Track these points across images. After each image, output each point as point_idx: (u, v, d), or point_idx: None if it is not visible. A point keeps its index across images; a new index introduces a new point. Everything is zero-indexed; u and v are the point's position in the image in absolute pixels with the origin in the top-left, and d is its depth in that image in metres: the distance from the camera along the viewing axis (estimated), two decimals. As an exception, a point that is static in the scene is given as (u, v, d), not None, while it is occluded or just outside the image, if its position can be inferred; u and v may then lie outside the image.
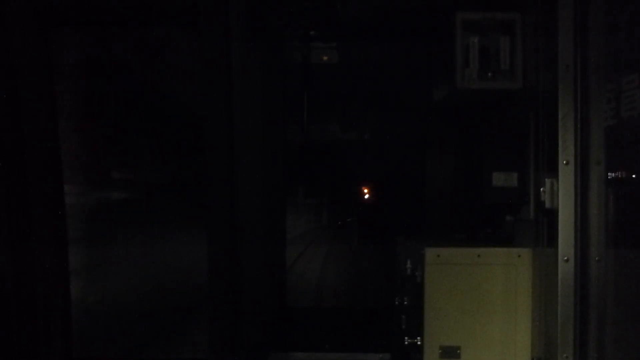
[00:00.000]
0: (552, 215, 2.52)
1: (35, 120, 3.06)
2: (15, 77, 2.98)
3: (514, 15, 2.82)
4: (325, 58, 4.67)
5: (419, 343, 2.83)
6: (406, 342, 2.98)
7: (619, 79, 2.35)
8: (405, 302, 3.17)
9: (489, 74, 2.80)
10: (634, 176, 2.36)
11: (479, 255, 2.80)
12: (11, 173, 2.99)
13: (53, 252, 3.16)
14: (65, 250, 3.27)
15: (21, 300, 3.04)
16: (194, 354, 3.48)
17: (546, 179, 2.51)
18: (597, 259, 2.43)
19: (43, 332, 3.12)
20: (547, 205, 2.51)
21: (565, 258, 2.44)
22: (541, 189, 2.54)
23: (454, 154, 3.72)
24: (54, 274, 3.16)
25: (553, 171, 2.49)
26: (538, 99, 2.65)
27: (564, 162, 2.45)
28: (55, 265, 3.17)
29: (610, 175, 2.42)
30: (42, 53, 3.09)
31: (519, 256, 2.78)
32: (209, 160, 3.07)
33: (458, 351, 2.78)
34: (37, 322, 3.10)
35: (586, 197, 2.45)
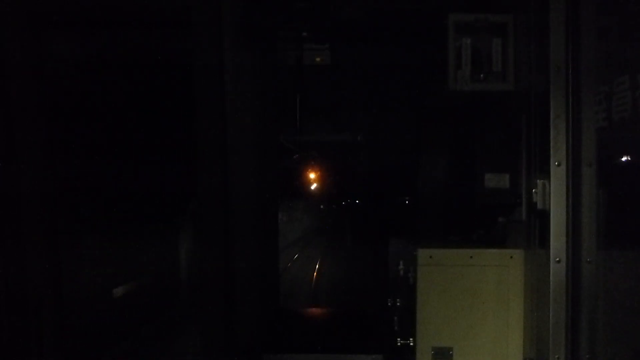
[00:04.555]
0: (543, 216, 2.52)
1: (27, 119, 3.05)
2: (7, 77, 2.97)
3: (506, 17, 2.82)
4: (318, 59, 4.67)
5: (411, 344, 2.83)
6: (399, 343, 2.98)
7: (610, 81, 2.37)
8: (398, 303, 3.17)
9: (481, 76, 2.81)
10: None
11: (471, 257, 2.80)
12: (2, 172, 2.98)
13: (44, 251, 3.15)
14: (57, 249, 3.26)
15: (11, 299, 3.03)
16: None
17: (538, 180, 2.52)
18: (588, 260, 2.44)
19: (34, 332, 3.11)
20: (539, 206, 2.52)
21: (557, 259, 2.45)
22: (533, 191, 2.55)
23: (447, 156, 3.72)
24: (46, 273, 3.15)
25: (545, 172, 2.50)
26: (530, 100, 2.66)
27: (556, 163, 2.46)
28: (47, 264, 3.16)
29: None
30: (35, 54, 3.08)
31: (511, 257, 2.78)
32: (202, 161, 3.07)
33: (450, 352, 2.79)
34: (28, 321, 3.08)
35: (578, 199, 2.46)
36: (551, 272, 2.46)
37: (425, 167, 3.94)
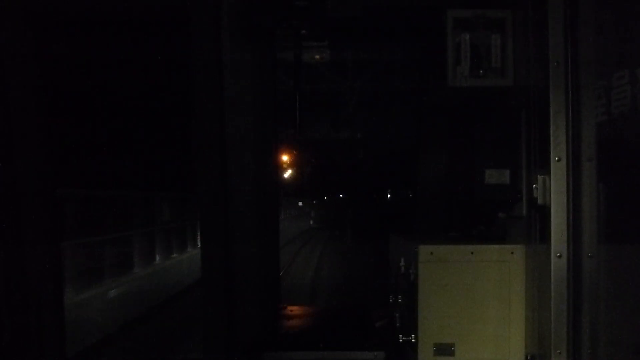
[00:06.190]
0: (544, 211, 2.52)
1: (25, 118, 3.04)
2: (4, 77, 2.97)
3: (505, 12, 2.82)
4: (317, 57, 4.67)
5: (413, 341, 2.84)
6: (400, 340, 2.98)
7: (609, 75, 2.37)
8: (400, 300, 3.18)
9: (480, 72, 2.81)
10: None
11: (472, 253, 2.81)
12: (2, 172, 2.98)
13: (45, 250, 3.15)
14: (57, 248, 3.26)
15: (12, 299, 3.03)
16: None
17: (538, 176, 2.52)
18: (589, 255, 2.44)
19: (35, 332, 3.11)
20: (540, 202, 2.52)
21: (558, 254, 2.45)
22: (533, 186, 2.55)
23: (446, 152, 3.73)
24: (46, 273, 3.15)
25: (545, 168, 2.50)
26: (529, 96, 2.65)
27: (556, 158, 2.46)
28: (47, 263, 3.16)
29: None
30: (33, 53, 3.07)
31: (512, 253, 2.78)
32: (201, 160, 3.07)
33: (452, 348, 2.79)
34: (29, 321, 3.09)
35: (578, 194, 2.46)
36: (552, 268, 2.46)
37: (425, 163, 3.95)
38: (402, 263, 3.04)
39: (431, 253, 2.80)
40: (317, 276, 15.23)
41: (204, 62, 3.01)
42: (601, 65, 2.45)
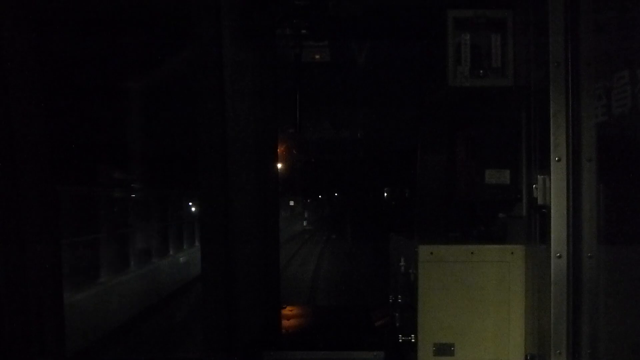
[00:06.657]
0: (544, 212, 2.53)
1: (25, 118, 3.05)
2: (5, 76, 2.97)
3: (505, 12, 2.82)
4: (317, 57, 4.67)
5: (413, 340, 2.84)
6: (400, 340, 2.98)
7: (609, 75, 2.36)
8: (400, 300, 3.18)
9: (481, 72, 2.81)
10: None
11: (472, 253, 2.81)
12: (2, 171, 2.98)
13: (45, 250, 3.15)
14: (58, 248, 3.26)
15: (13, 300, 3.03)
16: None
17: (538, 176, 2.52)
18: (589, 255, 2.44)
19: (36, 332, 3.11)
20: (540, 202, 2.52)
21: (558, 254, 2.45)
22: (533, 186, 2.55)
23: (446, 152, 3.72)
24: (46, 273, 3.15)
25: (545, 168, 2.50)
26: (529, 96, 2.66)
27: (556, 158, 2.46)
28: (48, 263, 3.16)
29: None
30: (34, 53, 3.07)
31: (512, 253, 2.78)
32: (202, 160, 3.07)
33: (452, 348, 2.79)
34: (29, 321, 3.09)
35: (578, 194, 2.46)
36: (552, 268, 2.46)
37: (425, 163, 3.94)
38: (402, 263, 3.04)
39: (431, 253, 2.80)
40: (316, 278, 14.90)
41: (205, 62, 3.02)
42: (601, 65, 2.45)
